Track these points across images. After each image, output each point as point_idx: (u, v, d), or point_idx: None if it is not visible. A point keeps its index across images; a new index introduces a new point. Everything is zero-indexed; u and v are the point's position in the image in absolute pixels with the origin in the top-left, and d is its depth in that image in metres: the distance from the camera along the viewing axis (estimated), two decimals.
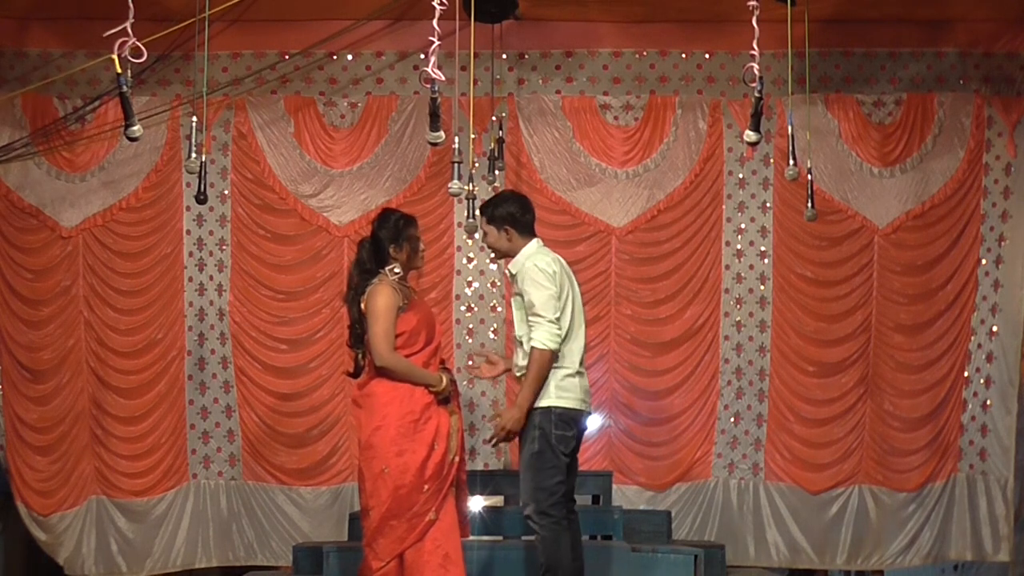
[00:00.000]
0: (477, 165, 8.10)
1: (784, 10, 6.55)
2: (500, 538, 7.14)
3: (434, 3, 5.17)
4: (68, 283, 8.82)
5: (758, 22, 5.71)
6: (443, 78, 5.11)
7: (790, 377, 8.77)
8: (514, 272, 5.95)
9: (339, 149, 8.85)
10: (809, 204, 7.03)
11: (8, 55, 8.79)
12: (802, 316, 8.78)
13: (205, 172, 7.04)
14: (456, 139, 5.74)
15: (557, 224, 8.59)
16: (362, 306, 5.75)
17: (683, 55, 8.83)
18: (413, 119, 8.78)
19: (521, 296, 5.85)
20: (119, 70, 4.85)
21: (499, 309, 8.80)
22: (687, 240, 8.82)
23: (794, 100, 7.46)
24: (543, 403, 5.80)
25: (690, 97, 8.82)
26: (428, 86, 5.11)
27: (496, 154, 8.09)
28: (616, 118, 8.86)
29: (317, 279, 8.82)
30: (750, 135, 5.86)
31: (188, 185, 8.65)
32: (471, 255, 8.85)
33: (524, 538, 6.68)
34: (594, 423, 8.72)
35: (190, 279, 8.86)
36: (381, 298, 5.69)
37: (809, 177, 7.10)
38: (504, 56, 8.76)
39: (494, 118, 8.28)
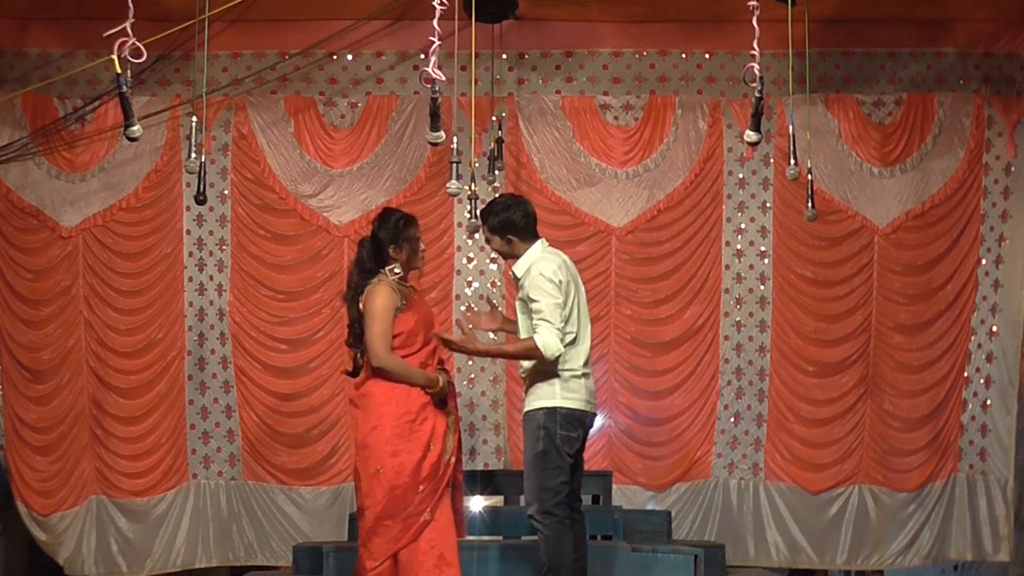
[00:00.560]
0: (477, 165, 8.09)
1: (784, 10, 6.55)
2: (500, 538, 7.13)
3: (434, 3, 5.17)
4: (68, 283, 8.82)
5: (758, 22, 5.71)
6: (443, 78, 5.11)
7: (790, 377, 8.77)
8: (519, 276, 5.94)
9: (339, 149, 8.86)
10: (809, 204, 7.03)
11: (8, 55, 8.79)
12: (802, 316, 8.78)
13: (205, 172, 7.04)
14: (456, 139, 5.74)
15: (557, 224, 8.59)
16: (360, 306, 5.75)
17: (683, 55, 8.83)
18: (413, 119, 8.78)
19: (525, 301, 5.84)
20: (119, 70, 4.85)
21: (499, 309, 8.77)
22: (687, 240, 8.82)
23: (794, 100, 7.46)
24: (549, 403, 5.80)
25: (690, 97, 8.82)
26: (428, 86, 5.11)
27: (496, 154, 8.09)
28: (616, 118, 8.86)
29: (317, 279, 8.82)
30: (750, 135, 5.86)
31: (188, 185, 8.65)
32: (471, 255, 8.86)
33: (524, 538, 6.68)
34: (594, 423, 8.71)
35: (190, 279, 8.87)
36: (379, 298, 5.69)
37: (809, 177, 7.10)
38: (504, 56, 8.76)
39: (494, 118, 8.28)
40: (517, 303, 5.94)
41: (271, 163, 8.84)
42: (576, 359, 5.87)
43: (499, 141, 8.13)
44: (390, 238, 5.82)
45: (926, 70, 8.78)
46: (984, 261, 8.81)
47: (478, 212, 6.34)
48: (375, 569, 5.61)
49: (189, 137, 6.92)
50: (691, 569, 6.56)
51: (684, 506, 8.71)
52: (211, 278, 8.86)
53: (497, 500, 7.88)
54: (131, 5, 4.88)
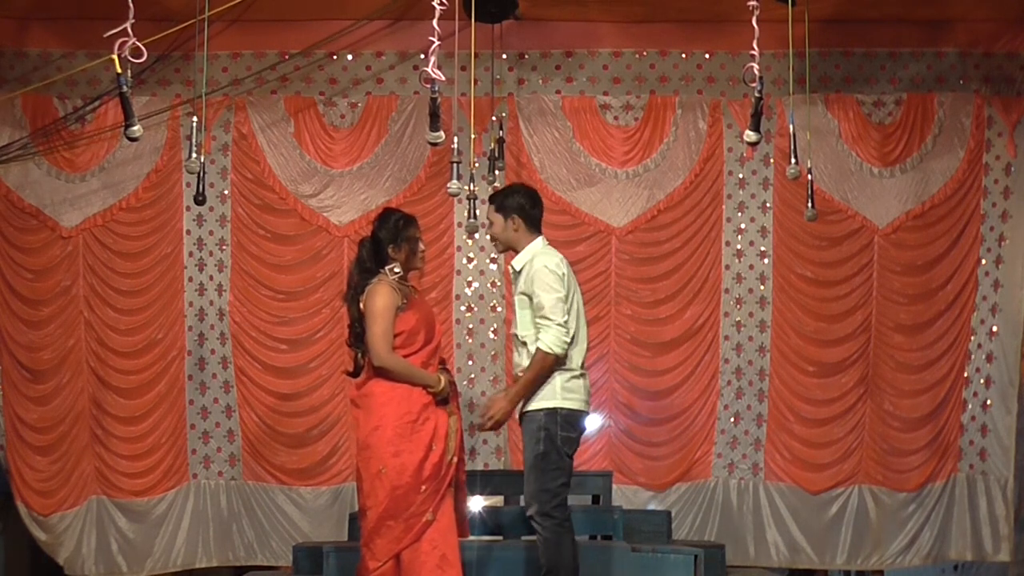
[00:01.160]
0: (477, 165, 8.09)
1: (784, 10, 6.55)
2: (500, 538, 7.13)
3: (434, 3, 5.17)
4: (68, 283, 8.82)
5: (758, 22, 5.71)
6: (443, 78, 5.11)
7: (790, 377, 8.77)
8: (518, 269, 5.94)
9: (339, 149, 8.86)
10: (809, 204, 7.03)
11: (8, 55, 8.79)
12: (802, 316, 8.78)
13: (205, 172, 7.05)
14: (456, 139, 5.73)
15: (557, 224, 8.58)
16: (361, 306, 5.75)
17: (683, 55, 8.83)
18: (413, 119, 8.78)
19: (528, 296, 5.84)
20: (119, 70, 4.85)
21: (499, 309, 8.80)
22: (687, 240, 8.82)
23: (794, 100, 7.46)
24: (549, 404, 5.80)
25: (690, 97, 8.82)
26: (428, 86, 5.10)
27: (496, 154, 8.09)
28: (616, 118, 8.86)
29: (317, 279, 8.82)
30: (750, 135, 5.86)
31: (188, 185, 8.64)
32: (471, 255, 8.86)
33: (524, 538, 6.67)
34: (594, 423, 8.73)
35: (190, 279, 8.87)
36: (379, 298, 5.69)
37: (809, 177, 7.10)
38: (504, 56, 8.76)
39: (494, 118, 8.28)
40: (517, 298, 5.93)
41: (271, 163, 8.84)
42: (575, 359, 5.89)
43: (499, 141, 8.13)
44: (389, 238, 5.82)
45: (926, 70, 8.79)
46: (984, 261, 8.81)
47: (489, 196, 6.35)
48: (377, 569, 5.61)
49: (189, 137, 6.92)
50: (691, 569, 6.56)
51: (684, 506, 8.71)
52: (211, 278, 8.86)
53: (497, 500, 7.89)
54: (131, 5, 4.88)
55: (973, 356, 8.82)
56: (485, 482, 7.78)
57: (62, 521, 8.77)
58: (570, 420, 5.84)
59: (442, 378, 5.77)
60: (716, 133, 8.82)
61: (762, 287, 8.81)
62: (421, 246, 5.91)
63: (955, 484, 8.76)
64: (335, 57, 8.83)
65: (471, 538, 6.45)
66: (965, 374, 8.81)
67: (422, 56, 7.97)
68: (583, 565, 6.06)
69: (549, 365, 5.76)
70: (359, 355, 5.85)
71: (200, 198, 7.07)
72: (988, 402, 8.80)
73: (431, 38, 5.13)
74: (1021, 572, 8.81)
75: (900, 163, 8.79)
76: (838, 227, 8.78)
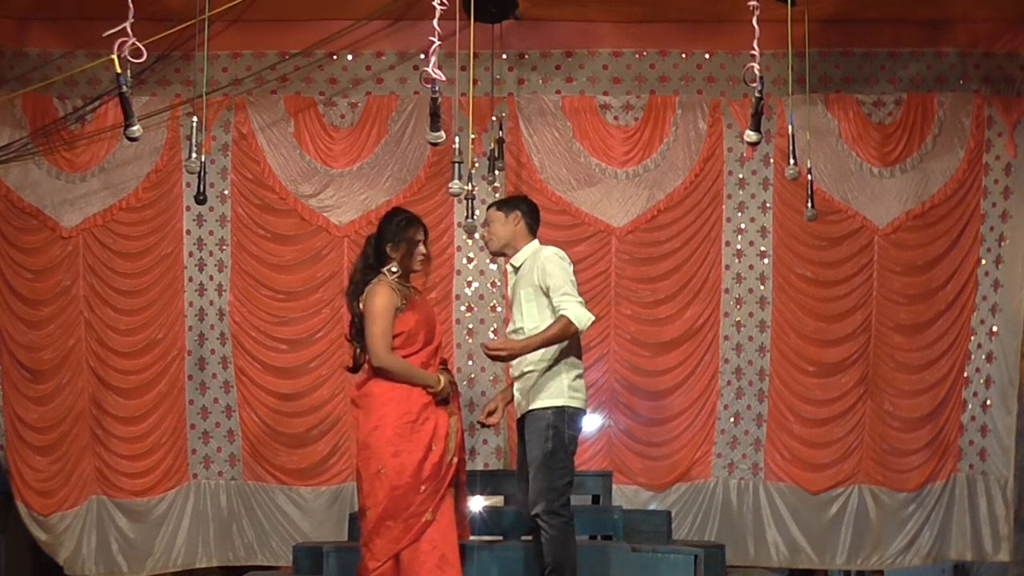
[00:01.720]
0: (477, 165, 8.10)
1: (784, 10, 6.55)
2: (500, 538, 7.13)
3: (434, 3, 5.17)
4: (68, 283, 8.82)
5: (758, 22, 5.71)
6: (443, 78, 5.11)
7: (790, 377, 8.78)
8: (518, 265, 5.96)
9: (339, 149, 8.86)
10: (809, 204, 7.03)
11: (8, 55, 8.79)
12: (802, 316, 8.78)
13: (205, 172, 7.06)
14: (456, 139, 5.74)
15: (557, 224, 8.59)
16: (360, 305, 5.75)
17: (683, 55, 8.83)
18: (413, 119, 8.78)
19: (536, 287, 5.84)
20: (119, 70, 4.85)
21: (499, 309, 8.80)
22: (687, 240, 8.82)
23: (794, 100, 7.46)
24: (558, 402, 5.81)
25: (690, 97, 8.82)
26: (428, 86, 5.11)
27: (496, 154, 8.09)
28: (616, 118, 8.86)
29: (317, 279, 8.82)
30: (750, 135, 5.86)
31: (188, 185, 8.65)
32: (471, 255, 8.86)
33: (524, 538, 6.67)
34: (594, 423, 8.73)
35: (190, 279, 8.87)
36: (378, 299, 5.68)
37: (809, 177, 7.10)
38: (504, 56, 8.76)
39: (494, 118, 8.29)
40: (522, 292, 5.92)
41: (271, 163, 8.84)
42: (580, 357, 5.93)
43: (499, 141, 8.13)
44: (389, 236, 5.81)
45: (926, 70, 8.79)
46: (984, 261, 8.81)
47: (488, 204, 6.37)
48: (377, 569, 5.61)
49: (189, 137, 6.93)
50: (691, 569, 6.56)
51: (684, 506, 8.71)
52: (211, 278, 8.86)
53: (497, 500, 7.88)
54: (131, 5, 4.88)
55: (973, 356, 8.82)
56: (485, 482, 7.78)
57: (62, 521, 8.77)
58: (575, 419, 5.90)
59: (442, 378, 5.77)
60: (716, 133, 8.82)
61: (762, 287, 8.81)
62: (422, 248, 5.86)
63: (955, 484, 8.76)
64: (335, 57, 8.83)
65: (471, 538, 6.44)
66: (965, 374, 8.81)
67: (422, 56, 7.99)
68: (583, 565, 6.06)
69: (570, 334, 5.76)
70: (358, 350, 5.85)
71: (201, 197, 7.08)
72: (988, 402, 8.80)
73: (431, 38, 5.13)
74: (1021, 572, 8.81)
75: (900, 163, 8.79)
76: (838, 227, 8.78)
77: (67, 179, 8.84)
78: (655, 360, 8.80)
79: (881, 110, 8.81)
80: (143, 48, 4.84)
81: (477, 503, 7.61)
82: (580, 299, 5.82)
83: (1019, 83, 8.77)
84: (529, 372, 5.90)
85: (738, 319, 8.83)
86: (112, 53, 4.82)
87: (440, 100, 5.13)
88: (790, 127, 6.48)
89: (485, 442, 8.67)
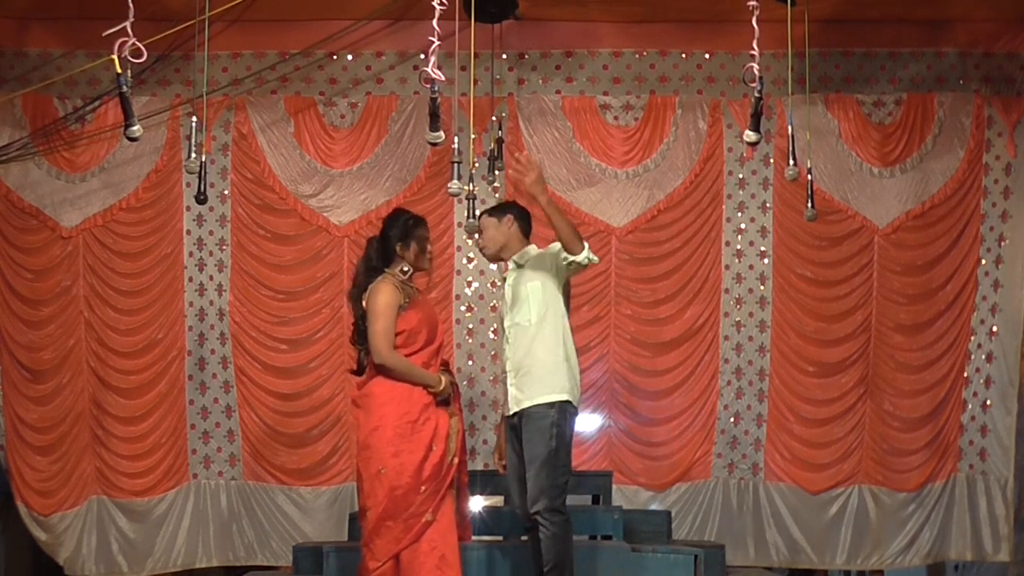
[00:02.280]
0: (477, 165, 8.09)
1: (784, 10, 6.55)
2: (500, 538, 7.13)
3: (434, 3, 5.17)
4: (68, 283, 8.82)
5: (758, 22, 5.71)
6: (443, 78, 5.11)
7: (790, 377, 8.77)
8: (521, 263, 5.97)
9: (339, 149, 8.86)
10: (809, 204, 7.02)
11: (8, 55, 8.79)
12: (802, 316, 8.78)
13: (205, 172, 7.04)
14: (456, 139, 5.73)
15: None
16: (364, 303, 5.75)
17: (683, 55, 8.83)
18: (413, 119, 8.78)
19: (540, 277, 5.85)
20: (119, 70, 4.84)
21: (499, 309, 8.79)
22: (687, 240, 8.82)
23: (794, 100, 7.46)
24: (560, 396, 5.81)
25: (690, 97, 8.82)
26: (428, 86, 5.10)
27: (496, 154, 8.09)
28: (616, 118, 8.86)
29: (317, 279, 8.82)
30: (750, 135, 5.85)
31: (188, 185, 8.65)
32: (471, 255, 8.85)
33: (524, 538, 6.67)
34: (594, 423, 8.73)
35: (190, 279, 8.87)
36: (382, 296, 5.68)
37: (809, 177, 7.09)
38: (504, 56, 8.76)
39: (494, 118, 8.28)
40: (528, 286, 5.91)
41: (271, 163, 8.84)
42: (577, 356, 5.94)
43: (499, 141, 8.13)
44: (399, 236, 5.83)
45: (926, 70, 8.79)
46: (984, 261, 8.81)
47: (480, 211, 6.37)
48: (377, 570, 5.61)
49: (189, 137, 6.92)
50: (691, 569, 6.56)
51: (684, 506, 8.71)
52: (211, 278, 8.86)
53: (497, 500, 7.88)
54: (131, 5, 4.88)
55: (973, 356, 8.82)
56: (485, 482, 7.77)
57: (62, 521, 8.77)
58: (574, 415, 5.91)
59: (443, 379, 5.77)
60: (716, 133, 8.82)
61: (762, 287, 8.81)
62: (429, 247, 5.93)
63: (955, 484, 8.76)
64: (335, 57, 8.83)
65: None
66: (965, 374, 8.81)
67: (422, 56, 7.94)
68: (582, 565, 6.06)
69: (578, 240, 5.72)
70: (362, 354, 5.85)
71: (201, 197, 7.07)
72: (988, 402, 8.80)
73: (431, 38, 5.13)
74: (1021, 572, 8.81)
75: (900, 163, 8.79)
76: (838, 227, 8.78)
77: (67, 179, 8.84)
78: (655, 360, 8.80)
79: (881, 110, 8.81)
80: (143, 48, 4.83)
81: (477, 503, 7.60)
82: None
83: (1019, 83, 8.77)
84: (531, 367, 5.87)
85: (738, 319, 8.83)
86: (112, 53, 4.81)
87: (440, 100, 5.13)
88: (790, 127, 6.47)
89: (485, 442, 8.67)
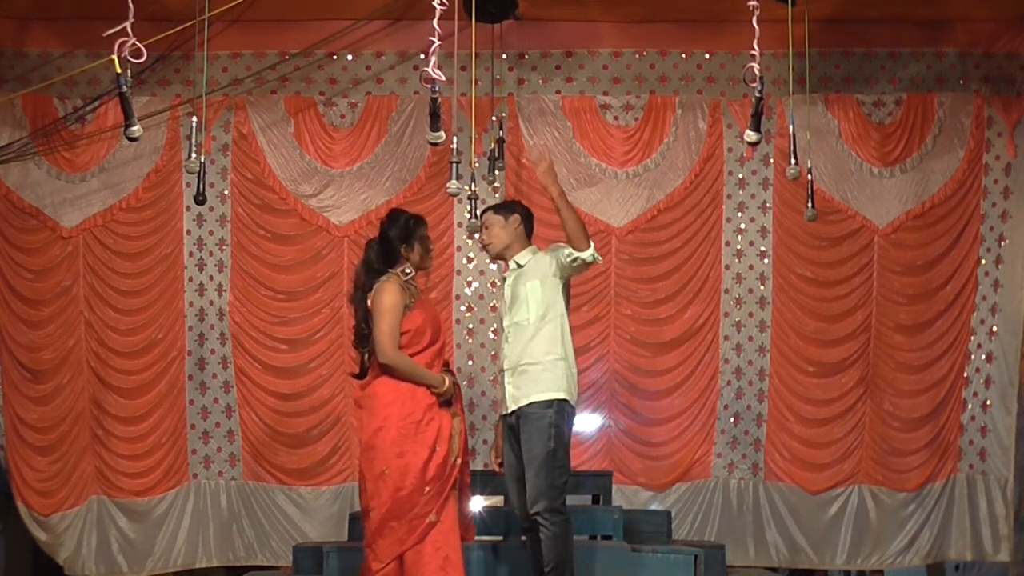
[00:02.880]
0: (477, 165, 8.09)
1: (784, 10, 6.55)
2: (500, 538, 7.13)
3: (434, 3, 5.17)
4: (68, 283, 8.82)
5: (758, 22, 5.71)
6: (443, 78, 5.11)
7: (790, 377, 8.78)
8: (522, 263, 5.97)
9: (339, 149, 8.86)
10: (809, 204, 7.01)
11: (8, 55, 8.79)
12: (802, 316, 8.78)
13: (204, 173, 7.04)
14: (456, 139, 5.73)
15: (557, 224, 8.41)
16: (368, 303, 5.73)
17: (683, 55, 8.83)
18: (413, 119, 8.78)
19: (540, 276, 5.85)
20: (119, 70, 4.84)
21: (499, 309, 8.78)
22: (687, 240, 8.82)
23: (794, 100, 7.46)
24: (557, 395, 5.81)
25: (690, 97, 8.82)
26: (428, 86, 5.10)
27: (496, 154, 8.09)
28: (616, 118, 8.86)
29: (317, 279, 8.82)
30: (750, 135, 5.85)
31: (188, 185, 8.65)
32: (471, 255, 8.86)
33: (523, 538, 6.67)
34: (594, 423, 8.73)
35: (190, 279, 8.87)
36: (387, 295, 5.67)
37: (809, 177, 7.08)
38: (504, 56, 8.76)
39: (494, 118, 8.28)
40: (527, 285, 5.92)
41: (271, 163, 8.84)
42: (575, 356, 5.94)
43: (499, 141, 8.13)
44: (401, 237, 5.82)
45: (926, 70, 8.79)
46: (984, 261, 8.81)
47: (482, 209, 6.39)
48: (381, 570, 5.60)
49: (189, 137, 6.92)
50: (691, 569, 6.56)
51: (684, 506, 8.71)
52: (211, 278, 8.87)
53: (497, 500, 7.88)
54: (131, 5, 4.87)
55: (973, 356, 8.82)
56: (485, 482, 7.77)
57: (62, 521, 8.77)
58: (572, 415, 5.90)
59: (446, 379, 5.77)
60: (716, 133, 8.82)
61: (762, 287, 8.81)
62: (431, 246, 5.94)
63: (955, 484, 8.76)
64: (335, 57, 8.83)
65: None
66: (965, 374, 8.81)
67: (422, 56, 7.98)
68: (583, 565, 6.06)
69: (586, 236, 5.79)
70: (365, 357, 5.84)
71: (200, 198, 7.07)
72: (988, 402, 8.80)
73: (431, 38, 5.13)
74: (1021, 572, 8.81)
75: (900, 163, 8.79)
76: (838, 227, 8.78)
77: (67, 179, 8.84)
78: (655, 360, 8.80)
79: (881, 110, 8.81)
80: (143, 48, 4.83)
81: (477, 503, 7.60)
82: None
83: (1019, 83, 8.77)
84: (529, 366, 5.87)
85: (738, 319, 8.83)
86: (112, 53, 4.81)
87: (440, 100, 5.13)
88: (790, 127, 6.46)
89: (485, 442, 8.67)
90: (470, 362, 8.79)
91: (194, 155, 6.85)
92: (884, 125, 8.81)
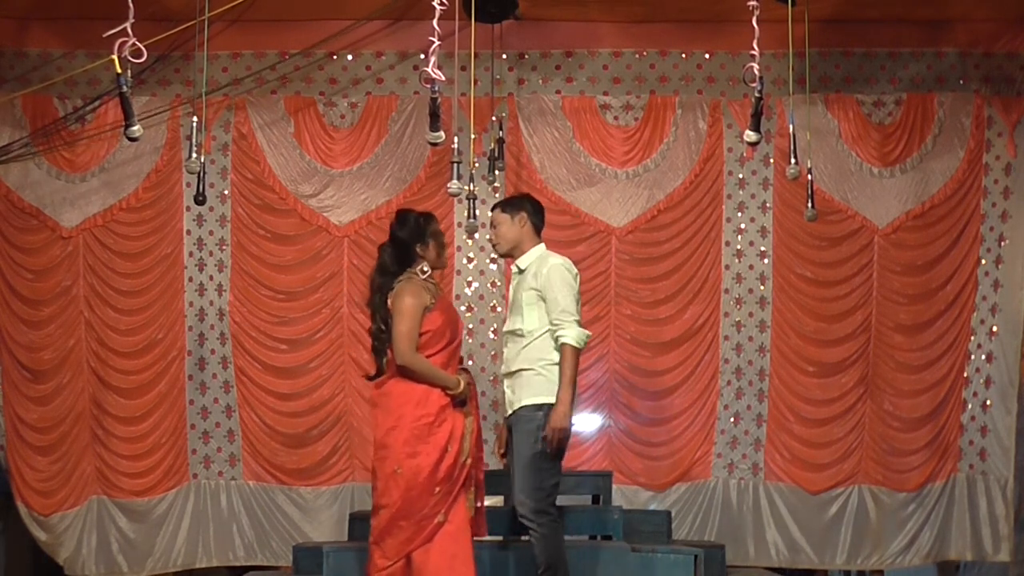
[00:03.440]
0: (477, 165, 8.09)
1: (784, 10, 6.55)
2: (500, 538, 7.14)
3: (434, 3, 5.17)
4: (68, 283, 8.82)
5: (758, 22, 5.72)
6: (443, 78, 5.11)
7: (790, 377, 8.77)
8: (523, 268, 5.98)
9: (339, 149, 8.86)
10: (809, 204, 7.03)
11: (8, 55, 8.79)
12: (802, 316, 8.78)
13: (204, 173, 7.05)
14: (456, 139, 5.74)
15: (557, 224, 8.57)
16: (389, 303, 5.75)
17: (683, 55, 8.83)
18: (413, 119, 8.78)
19: (536, 291, 5.86)
20: (119, 70, 4.85)
21: (499, 309, 8.80)
22: (687, 240, 8.82)
23: (794, 100, 7.45)
24: (550, 400, 5.83)
25: (690, 97, 8.82)
26: (428, 86, 5.11)
27: (496, 154, 8.10)
28: (616, 118, 8.86)
29: (317, 279, 8.82)
30: (750, 135, 5.86)
31: (188, 185, 8.65)
32: (471, 255, 8.86)
33: (524, 538, 6.67)
34: (594, 423, 8.73)
35: (190, 279, 8.87)
36: (408, 297, 5.71)
37: (809, 177, 7.10)
38: (504, 56, 8.76)
39: (494, 118, 8.29)
40: (524, 294, 5.93)
41: (271, 163, 8.84)
42: None
43: (499, 141, 8.14)
44: (415, 237, 5.84)
45: (926, 70, 8.79)
46: (984, 261, 8.81)
47: (493, 204, 6.43)
48: (387, 568, 5.65)
49: (189, 137, 6.93)
50: (691, 569, 6.57)
51: (684, 506, 8.71)
52: (211, 278, 8.86)
53: (497, 500, 7.88)
54: (131, 5, 4.88)
55: (973, 356, 8.81)
56: (485, 482, 7.77)
57: (62, 521, 8.77)
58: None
59: (461, 380, 5.80)
60: (716, 133, 8.82)
61: (762, 287, 8.81)
62: (444, 240, 5.97)
63: (955, 484, 8.75)
64: (335, 57, 8.83)
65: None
66: (965, 374, 8.81)
67: (422, 56, 7.98)
68: (583, 565, 6.06)
69: (577, 359, 5.84)
70: (383, 362, 5.87)
71: (200, 198, 7.08)
72: (988, 402, 8.80)
73: (431, 38, 5.13)
74: (1021, 572, 8.81)
75: (900, 163, 8.79)
76: (838, 227, 8.77)
77: (67, 179, 8.84)
78: (655, 360, 8.80)
79: (881, 110, 8.81)
80: (143, 48, 4.84)
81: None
82: (577, 316, 5.88)
83: (1019, 83, 8.76)
84: (521, 371, 5.90)
85: (738, 319, 8.82)
86: (112, 53, 4.82)
87: (440, 100, 5.13)
88: (790, 127, 6.48)
89: (485, 442, 8.64)
90: (470, 362, 8.78)
91: (194, 155, 6.86)
92: (884, 125, 8.81)
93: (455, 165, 5.63)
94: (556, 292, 5.84)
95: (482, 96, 8.33)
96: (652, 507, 8.59)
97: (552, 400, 5.84)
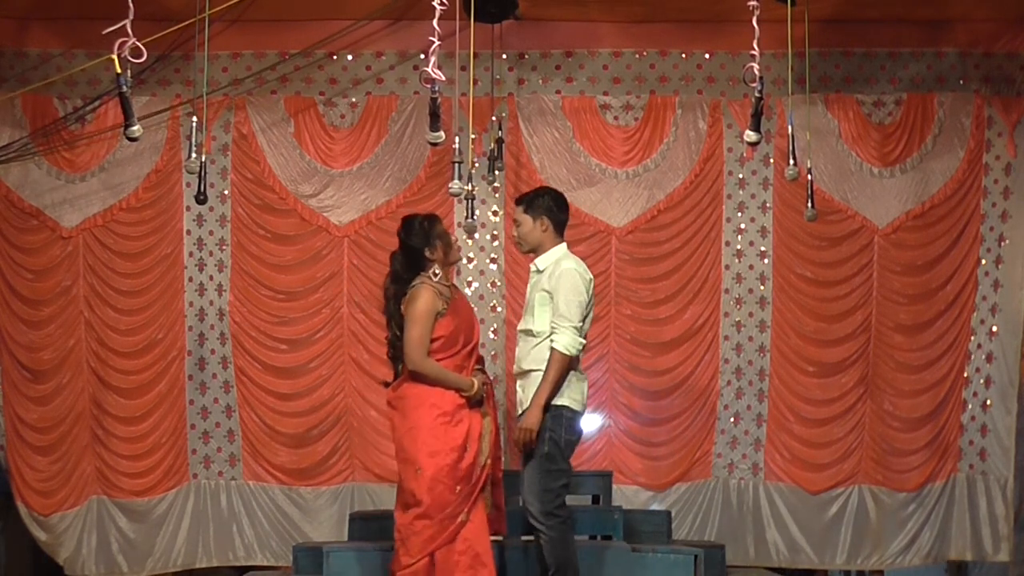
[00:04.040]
0: (477, 165, 8.09)
1: (784, 10, 6.55)
2: (500, 538, 7.14)
3: (434, 3, 5.17)
4: (68, 283, 8.82)
5: (758, 22, 5.72)
6: (443, 78, 5.12)
7: (790, 377, 8.77)
8: (541, 268, 6.01)
9: (339, 149, 8.86)
10: (809, 204, 7.03)
11: (8, 55, 8.79)
12: (802, 316, 8.78)
13: (205, 172, 7.05)
14: (456, 139, 5.74)
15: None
16: (402, 308, 5.80)
17: (683, 55, 8.83)
18: (413, 119, 8.78)
19: (548, 293, 5.88)
20: (119, 70, 4.85)
21: (499, 309, 8.80)
22: (687, 240, 8.82)
23: (794, 100, 7.45)
24: (559, 400, 5.85)
25: (690, 97, 8.82)
26: (428, 86, 5.11)
27: (496, 154, 8.10)
28: (616, 118, 8.86)
29: (317, 279, 8.82)
30: (750, 135, 5.86)
31: (188, 185, 8.65)
32: (471, 255, 8.86)
33: (524, 538, 6.68)
34: (594, 423, 8.73)
35: (190, 279, 8.86)
36: (420, 302, 5.78)
37: (809, 177, 7.10)
38: (504, 56, 8.76)
39: (494, 118, 8.29)
40: (538, 295, 5.96)
41: (271, 163, 8.84)
42: (581, 361, 5.97)
43: (499, 141, 8.14)
44: (423, 242, 5.91)
45: (926, 70, 8.79)
46: (984, 261, 8.81)
47: (516, 198, 6.48)
48: (411, 566, 5.74)
49: (189, 137, 6.92)
50: (691, 569, 6.57)
51: (684, 506, 8.71)
52: (211, 278, 8.86)
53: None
54: (131, 5, 4.88)
55: (973, 356, 8.81)
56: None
57: (62, 521, 8.77)
58: (572, 421, 5.92)
59: (475, 382, 5.86)
60: (716, 133, 8.82)
61: (762, 287, 8.81)
62: (453, 238, 6.06)
63: (955, 484, 8.76)
64: (335, 57, 8.83)
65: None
66: (965, 374, 8.81)
67: (422, 56, 7.98)
68: (584, 565, 6.06)
69: (565, 365, 5.86)
70: (399, 368, 5.95)
71: (201, 197, 7.08)
72: (988, 402, 8.80)
73: (431, 38, 5.14)
74: (1021, 572, 8.81)
75: (900, 163, 8.79)
76: (838, 227, 8.77)
77: (67, 179, 8.84)
78: (655, 360, 8.80)
79: (881, 110, 8.81)
80: (143, 48, 4.84)
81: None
82: (576, 323, 5.90)
83: (1019, 83, 8.76)
84: (531, 371, 5.92)
85: (738, 319, 8.82)
86: (112, 53, 4.82)
87: (440, 100, 5.14)
88: (790, 127, 6.49)
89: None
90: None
91: (194, 155, 6.86)
92: (884, 125, 8.81)
93: (457, 165, 5.64)
94: (561, 296, 5.89)
95: (482, 96, 8.33)
96: (652, 507, 8.59)
97: (560, 402, 5.86)
